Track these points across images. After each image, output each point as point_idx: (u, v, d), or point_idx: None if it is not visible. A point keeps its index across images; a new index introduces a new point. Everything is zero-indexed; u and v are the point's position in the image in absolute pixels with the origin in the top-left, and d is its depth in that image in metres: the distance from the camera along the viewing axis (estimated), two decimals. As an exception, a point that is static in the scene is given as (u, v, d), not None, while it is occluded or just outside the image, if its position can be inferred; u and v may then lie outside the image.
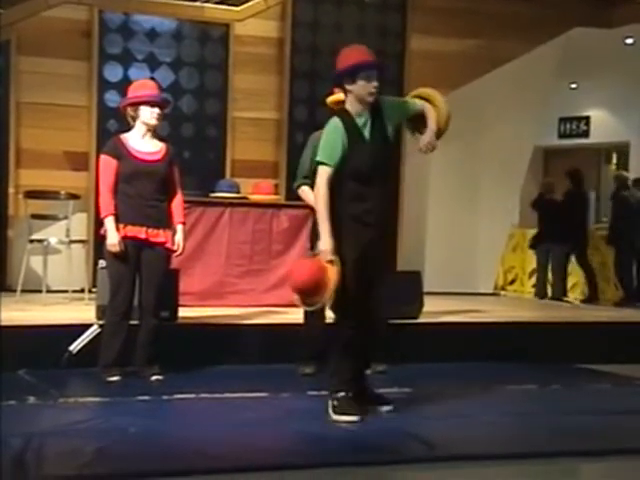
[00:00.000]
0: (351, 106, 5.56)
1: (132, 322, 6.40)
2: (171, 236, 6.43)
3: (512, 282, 12.75)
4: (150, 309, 6.43)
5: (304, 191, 6.70)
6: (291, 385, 6.41)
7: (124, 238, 6.28)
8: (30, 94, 9.27)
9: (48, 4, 9.29)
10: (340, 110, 5.65)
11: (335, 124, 5.49)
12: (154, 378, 6.37)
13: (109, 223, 6.26)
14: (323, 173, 5.41)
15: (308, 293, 5.33)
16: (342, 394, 5.49)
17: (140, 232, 6.31)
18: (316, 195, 5.46)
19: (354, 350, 5.54)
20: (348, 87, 5.51)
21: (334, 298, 5.35)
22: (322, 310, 6.47)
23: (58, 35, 9.33)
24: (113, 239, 6.24)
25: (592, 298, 10.93)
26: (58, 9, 9.32)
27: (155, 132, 6.53)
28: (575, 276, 11.45)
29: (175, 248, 6.45)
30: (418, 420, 5.62)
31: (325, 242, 5.35)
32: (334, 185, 5.43)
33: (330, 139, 5.47)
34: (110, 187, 6.30)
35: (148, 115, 6.39)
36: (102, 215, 6.31)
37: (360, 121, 5.53)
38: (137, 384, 6.23)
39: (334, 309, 5.59)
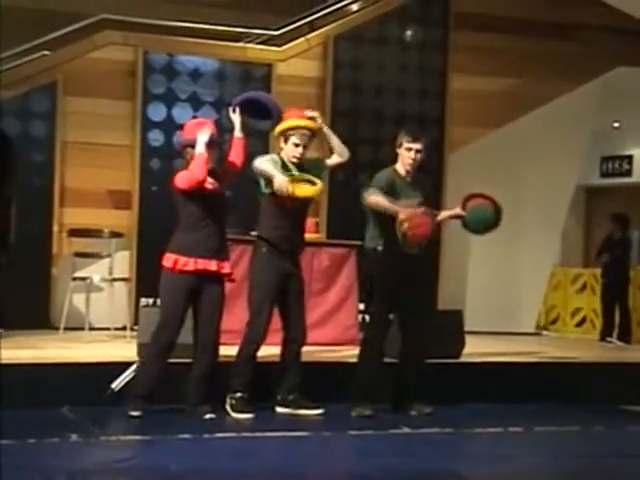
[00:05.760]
0: None
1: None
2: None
3: (554, 321, 12.66)
4: (209, 346, 6.42)
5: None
6: (334, 424, 6.39)
7: (195, 272, 6.31)
8: (75, 133, 9.38)
9: (95, 45, 9.44)
10: None
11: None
12: (208, 417, 6.34)
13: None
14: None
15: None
16: (239, 394, 6.41)
17: (210, 265, 6.35)
18: None
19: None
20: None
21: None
22: (380, 350, 6.67)
23: (103, 75, 9.46)
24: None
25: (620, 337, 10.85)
26: (104, 50, 9.46)
27: None
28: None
29: None
30: (461, 460, 5.59)
31: None
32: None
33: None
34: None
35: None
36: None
37: None
38: (178, 422, 6.23)
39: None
